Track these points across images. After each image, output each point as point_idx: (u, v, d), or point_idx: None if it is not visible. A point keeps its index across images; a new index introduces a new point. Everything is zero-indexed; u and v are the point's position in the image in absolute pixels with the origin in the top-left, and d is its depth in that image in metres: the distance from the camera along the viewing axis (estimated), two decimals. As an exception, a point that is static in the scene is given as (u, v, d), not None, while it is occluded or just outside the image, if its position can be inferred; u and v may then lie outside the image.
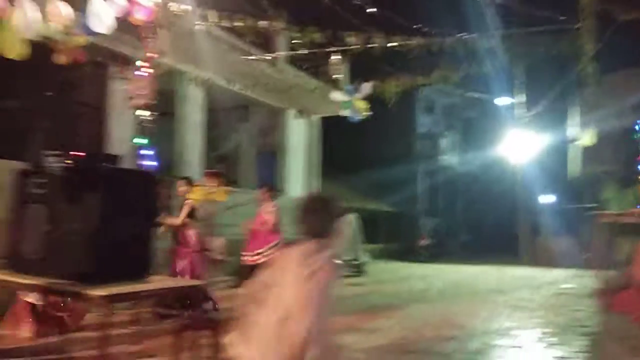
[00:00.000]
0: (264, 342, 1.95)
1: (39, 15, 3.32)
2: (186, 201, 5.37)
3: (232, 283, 8.32)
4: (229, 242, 8.36)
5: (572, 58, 7.23)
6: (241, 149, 13.51)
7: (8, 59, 4.43)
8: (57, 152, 2.88)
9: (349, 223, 11.62)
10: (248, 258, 6.20)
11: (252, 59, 7.72)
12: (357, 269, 11.49)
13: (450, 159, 22.00)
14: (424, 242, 17.51)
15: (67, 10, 3.52)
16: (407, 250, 16.99)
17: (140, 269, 2.93)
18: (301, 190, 13.38)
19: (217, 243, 6.55)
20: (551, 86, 14.62)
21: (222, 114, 12.63)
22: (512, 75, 15.63)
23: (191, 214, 5.38)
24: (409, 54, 5.72)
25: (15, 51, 3.24)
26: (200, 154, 9.97)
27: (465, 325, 5.98)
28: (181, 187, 5.42)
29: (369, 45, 5.50)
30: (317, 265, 2.00)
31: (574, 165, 18.36)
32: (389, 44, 5.47)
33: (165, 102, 7.48)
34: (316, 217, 2.10)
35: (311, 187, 13.68)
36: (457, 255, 18.07)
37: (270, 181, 12.68)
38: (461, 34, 5.86)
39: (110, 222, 2.69)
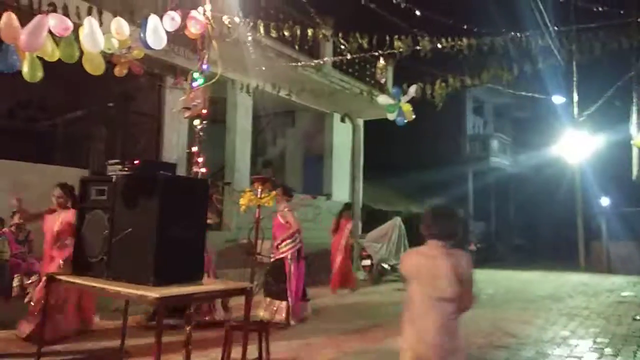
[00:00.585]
0: (411, 334, 2.46)
1: (101, 31, 3.55)
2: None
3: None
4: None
5: (632, 54, 6.86)
6: (287, 153, 13.72)
7: (73, 74, 4.76)
8: (117, 161, 3.06)
9: (395, 226, 11.52)
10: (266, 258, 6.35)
11: (299, 65, 7.83)
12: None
13: (501, 160, 21.29)
14: (473, 246, 17.05)
15: (127, 27, 3.74)
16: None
17: (193, 272, 3.06)
18: (346, 194, 13.41)
19: (265, 246, 6.70)
20: (610, 83, 13.88)
21: (268, 120, 12.91)
22: (568, 73, 15.00)
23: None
24: (458, 55, 5.62)
25: (95, 68, 3.48)
26: (248, 159, 10.22)
27: (518, 334, 5.79)
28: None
29: (417, 48, 5.45)
30: (451, 262, 2.44)
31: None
32: (438, 46, 5.39)
33: (215, 110, 7.75)
34: (447, 222, 2.55)
35: (356, 190, 13.68)
36: (509, 261, 17.48)
37: (316, 184, 12.88)
38: (513, 32, 5.69)
39: (167, 227, 2.82)
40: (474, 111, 21.77)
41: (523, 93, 13.40)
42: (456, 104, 18.22)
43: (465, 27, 5.86)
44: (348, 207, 9.61)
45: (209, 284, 3.10)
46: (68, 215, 4.89)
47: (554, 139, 16.45)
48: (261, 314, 5.93)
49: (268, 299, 6.11)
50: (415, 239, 13.19)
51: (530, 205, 21.93)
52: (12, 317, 5.09)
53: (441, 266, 2.45)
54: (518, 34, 5.42)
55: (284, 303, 5.98)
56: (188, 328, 3.33)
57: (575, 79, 15.26)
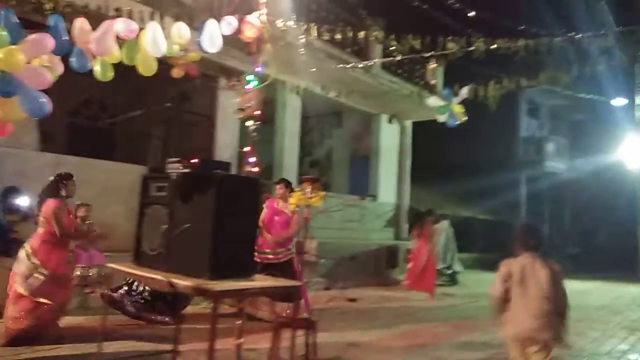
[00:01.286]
0: (515, 325, 3.19)
1: (163, 36, 3.74)
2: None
3: (324, 284, 8.56)
4: (321, 245, 8.61)
5: None
6: (334, 154, 13.79)
7: (133, 74, 5.01)
8: (176, 159, 3.21)
9: (442, 230, 11.32)
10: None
11: (348, 67, 7.87)
12: (450, 279, 11.16)
13: (557, 164, 20.41)
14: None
15: (186, 31, 3.91)
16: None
17: (246, 268, 3.16)
18: (393, 195, 13.31)
19: (312, 245, 6.77)
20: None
21: (316, 120, 13.03)
22: (629, 75, 14.19)
23: None
24: (513, 56, 5.46)
25: (148, 68, 3.67)
26: (296, 159, 10.36)
27: (572, 345, 5.56)
28: (281, 190, 5.57)
29: (470, 49, 5.33)
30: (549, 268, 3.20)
31: None
32: (492, 47, 5.25)
33: (264, 110, 7.92)
34: (539, 236, 3.32)
35: (402, 192, 13.55)
36: (564, 270, 16.72)
37: (363, 185, 12.87)
38: (573, 33, 5.47)
39: (222, 223, 2.93)
40: (528, 113, 21.00)
41: (581, 95, 12.82)
42: (509, 106, 17.62)
43: (522, 27, 5.69)
44: (429, 213, 9.76)
45: (260, 280, 3.18)
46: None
47: (614, 143, 15.60)
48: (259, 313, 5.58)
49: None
50: (464, 243, 12.96)
51: (587, 212, 20.91)
52: (71, 305, 5.41)
53: (542, 272, 3.19)
54: (579, 34, 5.20)
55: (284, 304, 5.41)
56: (240, 322, 3.44)
57: (638, 81, 14.42)
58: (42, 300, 4.25)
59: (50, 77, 3.31)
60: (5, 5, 3.47)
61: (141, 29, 3.92)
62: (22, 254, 4.42)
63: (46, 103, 3.39)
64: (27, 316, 4.22)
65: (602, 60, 6.31)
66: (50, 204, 4.38)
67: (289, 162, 10.12)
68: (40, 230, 4.47)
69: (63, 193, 4.43)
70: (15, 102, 3.30)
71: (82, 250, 6.26)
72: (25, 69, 3.20)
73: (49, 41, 3.29)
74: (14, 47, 3.17)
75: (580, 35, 5.28)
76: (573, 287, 12.57)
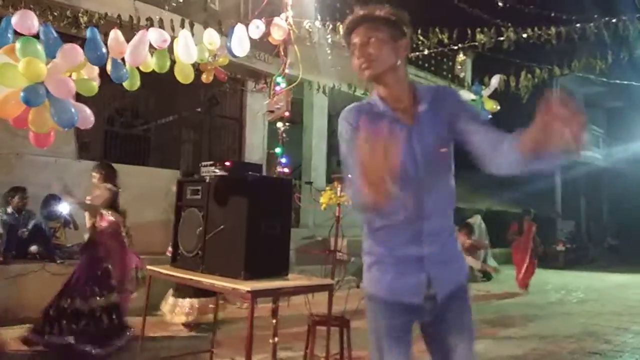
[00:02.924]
0: None
1: (194, 43, 3.83)
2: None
3: (355, 282, 8.55)
4: (351, 243, 8.61)
5: None
6: (362, 151, 13.73)
7: (164, 81, 5.14)
8: (210, 163, 3.29)
9: (476, 225, 11.14)
10: None
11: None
12: (484, 274, 10.98)
13: (593, 154, 19.78)
14: (561, 246, 16.02)
15: (216, 37, 3.99)
16: (541, 256, 15.70)
17: (280, 267, 3.21)
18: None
19: (342, 244, 6.78)
20: None
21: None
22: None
23: None
24: (544, 45, 5.31)
25: (185, 77, 3.77)
26: (324, 158, 10.40)
27: (613, 340, 5.40)
28: None
29: (500, 39, 5.20)
30: None
31: None
32: (524, 36, 5.11)
33: (293, 111, 7.99)
34: None
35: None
36: (602, 262, 16.25)
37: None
38: (607, 18, 5.27)
39: (255, 224, 2.98)
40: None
41: (617, 81, 12.35)
42: (541, 94, 17.13)
43: (552, 14, 5.53)
44: (527, 212, 10.22)
45: (294, 280, 3.23)
46: None
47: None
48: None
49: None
50: (497, 238, 12.72)
51: (626, 202, 20.17)
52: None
53: None
54: (613, 19, 5.02)
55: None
56: (275, 321, 3.49)
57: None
58: None
59: (73, 87, 3.40)
60: (44, 21, 3.62)
61: (172, 37, 4.03)
62: None
63: (76, 113, 3.49)
64: None
65: (639, 44, 6.07)
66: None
67: (318, 162, 10.17)
68: None
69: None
70: (46, 112, 3.41)
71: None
72: (50, 80, 3.30)
73: (78, 51, 3.40)
74: (32, 57, 3.29)
75: (615, 20, 5.09)
76: (613, 280, 12.26)
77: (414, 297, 1.69)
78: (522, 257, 9.44)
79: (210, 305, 5.13)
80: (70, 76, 3.37)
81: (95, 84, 3.40)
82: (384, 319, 1.78)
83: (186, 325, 5.26)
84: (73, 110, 3.45)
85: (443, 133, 1.70)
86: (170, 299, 5.35)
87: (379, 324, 1.80)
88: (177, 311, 5.23)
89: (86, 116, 3.66)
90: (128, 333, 4.37)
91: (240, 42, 3.76)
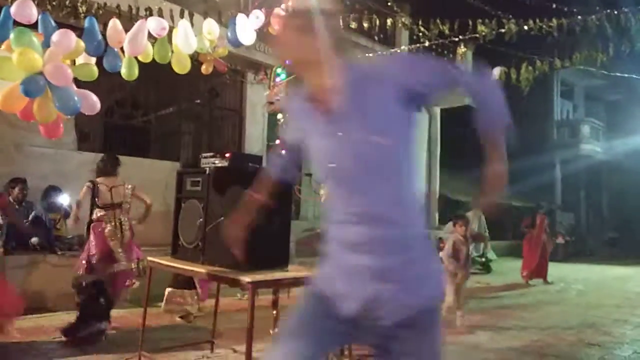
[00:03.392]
0: None
1: (194, 33, 3.81)
2: None
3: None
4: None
5: None
6: (363, 143, 13.72)
7: (162, 73, 5.11)
8: (210, 154, 3.28)
9: (474, 217, 11.14)
10: None
11: (375, 55, 7.79)
12: (484, 266, 11.01)
13: (593, 147, 19.76)
14: (561, 239, 16.05)
15: (216, 27, 3.96)
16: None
17: (280, 258, 3.21)
18: (422, 183, 13.17)
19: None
20: None
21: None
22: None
23: None
24: (546, 37, 5.28)
25: (182, 67, 3.75)
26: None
27: (612, 332, 5.43)
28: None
29: (502, 30, 5.16)
30: None
31: None
32: (525, 28, 5.07)
33: (293, 103, 7.98)
34: None
35: (432, 179, 13.40)
36: (601, 255, 16.30)
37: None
38: (609, 10, 5.24)
39: (256, 215, 2.98)
40: (562, 95, 20.36)
41: (618, 74, 12.30)
42: (543, 88, 17.14)
43: (554, 6, 5.50)
44: (540, 205, 10.73)
45: (294, 271, 3.23)
46: None
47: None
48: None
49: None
50: (496, 230, 12.73)
51: (626, 195, 20.19)
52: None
53: None
54: (615, 11, 4.98)
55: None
56: (275, 312, 3.50)
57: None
58: None
59: (70, 73, 3.37)
60: (43, 10, 3.60)
61: (171, 27, 4.00)
62: None
63: (79, 100, 3.46)
64: None
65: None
66: None
67: (318, 154, 10.16)
68: None
69: None
70: (49, 102, 3.39)
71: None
72: (47, 68, 3.27)
73: (72, 37, 3.36)
74: (26, 48, 3.26)
75: (617, 12, 5.05)
76: (612, 272, 12.33)
77: (347, 309, 1.40)
78: (532, 249, 9.58)
79: (179, 298, 5.18)
80: (71, 63, 3.35)
81: (95, 68, 3.37)
82: (310, 305, 1.52)
83: (184, 317, 5.27)
84: (76, 97, 3.43)
85: (380, 120, 1.41)
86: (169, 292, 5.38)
87: (302, 307, 1.54)
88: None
89: (92, 103, 3.64)
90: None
91: (245, 31, 3.73)
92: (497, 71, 6.01)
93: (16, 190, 5.85)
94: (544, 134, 19.14)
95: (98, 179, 4.79)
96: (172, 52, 3.96)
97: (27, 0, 3.48)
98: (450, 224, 11.25)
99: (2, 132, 6.20)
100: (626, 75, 13.25)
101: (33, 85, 3.23)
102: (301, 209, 9.65)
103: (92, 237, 4.70)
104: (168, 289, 5.25)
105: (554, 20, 5.12)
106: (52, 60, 3.32)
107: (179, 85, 8.01)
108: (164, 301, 5.24)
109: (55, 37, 3.35)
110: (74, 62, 3.61)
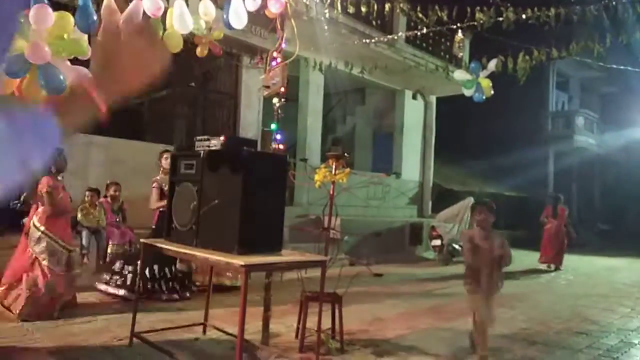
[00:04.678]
0: None
1: (189, 13, 3.75)
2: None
3: (348, 261, 8.64)
4: (345, 222, 8.66)
5: None
6: (357, 131, 13.71)
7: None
8: (204, 137, 3.26)
9: (467, 207, 11.21)
10: None
11: (372, 42, 7.75)
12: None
13: (587, 139, 19.85)
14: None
15: (214, 8, 3.91)
16: (532, 238, 15.90)
17: (273, 243, 3.22)
18: (417, 172, 13.22)
19: (336, 222, 6.81)
20: None
21: (338, 98, 12.95)
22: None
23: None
24: (543, 27, 5.26)
25: (174, 46, 3.70)
26: (319, 137, 10.36)
27: (599, 321, 5.51)
28: None
29: (500, 19, 5.14)
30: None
31: None
32: (523, 16, 5.05)
33: (288, 89, 7.93)
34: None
35: (426, 169, 13.44)
36: (592, 246, 16.45)
37: (386, 162, 12.81)
38: (606, 0, 5.22)
39: (250, 199, 2.99)
40: (557, 86, 20.37)
41: (614, 66, 12.32)
42: (538, 79, 17.10)
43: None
44: (558, 197, 10.92)
45: (287, 255, 3.25)
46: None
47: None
48: None
49: None
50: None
51: (618, 188, 20.36)
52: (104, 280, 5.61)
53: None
54: (613, 1, 4.96)
55: None
56: (267, 296, 3.53)
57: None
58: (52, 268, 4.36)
59: (48, 51, 3.28)
60: (34, -12, 3.52)
61: (166, 8, 3.94)
62: (32, 229, 4.49)
63: (64, 79, 3.38)
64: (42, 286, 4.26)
65: (637, 28, 6.02)
66: (42, 181, 4.43)
67: (313, 140, 10.14)
68: (40, 207, 4.49)
69: (53, 170, 4.47)
70: (34, 80, 3.31)
71: (115, 228, 6.46)
72: (27, 46, 3.19)
73: (48, 11, 3.27)
74: None
75: (615, 2, 5.04)
76: (602, 263, 12.44)
77: None
78: (553, 239, 10.22)
79: None
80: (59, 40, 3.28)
81: (85, 43, 3.29)
82: None
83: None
84: (61, 75, 3.33)
85: None
86: None
87: None
88: None
89: (84, 75, 3.55)
90: None
91: (238, 14, 3.69)
92: (494, 63, 5.99)
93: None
94: (538, 124, 19.20)
95: None
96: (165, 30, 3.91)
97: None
98: (444, 212, 11.39)
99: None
100: (622, 67, 13.29)
101: (14, 65, 3.16)
102: (295, 194, 9.65)
103: None
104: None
105: (552, 10, 5.09)
106: (36, 37, 3.24)
107: (173, 68, 7.92)
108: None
109: (31, 11, 3.26)
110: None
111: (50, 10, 3.26)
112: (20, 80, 3.39)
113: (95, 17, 3.27)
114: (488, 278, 3.72)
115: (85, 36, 3.40)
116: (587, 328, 5.16)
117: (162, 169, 5.29)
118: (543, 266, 10.16)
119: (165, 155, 5.24)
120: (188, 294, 5.42)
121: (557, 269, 10.10)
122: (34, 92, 3.33)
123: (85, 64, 3.87)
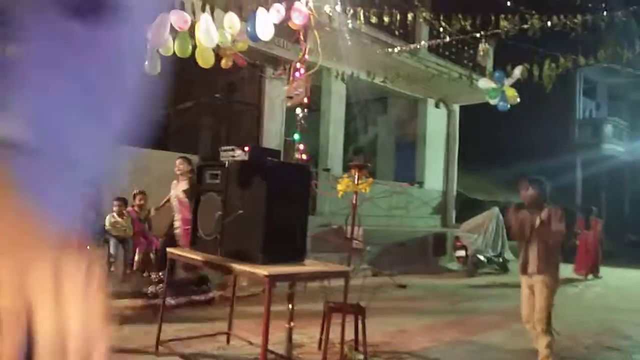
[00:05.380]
0: None
1: (215, 27, 3.83)
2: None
3: (371, 271, 8.57)
4: (368, 232, 8.62)
5: None
6: (379, 140, 13.67)
7: (182, 67, 5.15)
8: (229, 147, 3.30)
9: (492, 217, 11.02)
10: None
11: (395, 52, 7.74)
12: (500, 266, 10.89)
13: (616, 147, 19.33)
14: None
15: (238, 21, 3.98)
16: (563, 249, 15.44)
17: (297, 253, 3.22)
18: (440, 182, 13.07)
19: (358, 232, 6.78)
20: None
21: (360, 107, 12.96)
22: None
23: None
24: (569, 34, 5.17)
25: (206, 61, 3.77)
26: (341, 146, 10.37)
27: (632, 336, 5.33)
28: None
29: (525, 27, 5.07)
30: None
31: None
32: (548, 24, 4.97)
33: (311, 98, 7.98)
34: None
35: (450, 178, 13.28)
36: (623, 258, 15.94)
37: (409, 172, 12.71)
38: (635, 7, 5.11)
39: (274, 209, 3.00)
40: (584, 93, 19.94)
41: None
42: (564, 86, 16.72)
43: (578, 1, 5.38)
44: (590, 209, 11.41)
45: (310, 265, 3.24)
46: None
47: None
48: None
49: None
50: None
51: (650, 197, 19.74)
52: (133, 287, 5.72)
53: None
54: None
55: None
56: (291, 305, 3.52)
57: None
58: None
59: None
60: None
61: (192, 21, 4.03)
62: None
63: None
64: None
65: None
66: None
67: (335, 149, 10.15)
68: None
69: None
70: None
71: (142, 236, 6.58)
72: None
73: None
74: None
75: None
76: (632, 275, 12.06)
77: None
78: (589, 249, 10.47)
79: None
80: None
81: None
82: None
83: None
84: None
85: None
86: None
87: None
88: None
89: None
90: None
91: (264, 27, 3.74)
92: (519, 70, 5.91)
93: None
94: (565, 133, 18.80)
95: None
96: (194, 46, 3.99)
97: None
98: (468, 222, 11.21)
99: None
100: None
101: None
102: (317, 204, 9.65)
103: None
104: None
105: (579, 17, 5.00)
106: None
107: (197, 80, 8.07)
108: None
109: None
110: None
111: None
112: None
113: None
114: (532, 254, 3.58)
115: None
116: (619, 343, 4.99)
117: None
118: (579, 276, 10.33)
119: (178, 161, 5.46)
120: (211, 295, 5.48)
121: (595, 277, 10.36)
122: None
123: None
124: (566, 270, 10.08)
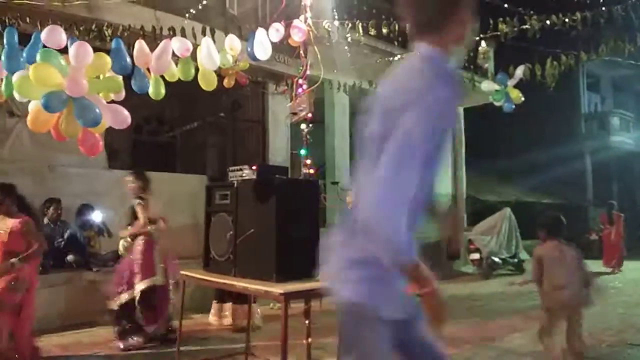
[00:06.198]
0: None
1: (216, 50, 3.88)
2: None
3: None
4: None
5: None
6: (385, 148, 13.62)
7: (187, 88, 5.21)
8: (237, 167, 3.32)
9: (504, 218, 10.94)
10: None
11: (394, 59, 7.76)
12: (516, 267, 10.78)
13: (624, 139, 19.16)
14: (594, 235, 15.54)
15: (237, 42, 4.03)
16: (580, 245, 15.22)
17: (310, 268, 3.21)
18: (448, 184, 13.00)
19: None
20: None
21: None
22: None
23: None
24: (570, 31, 5.16)
25: (209, 84, 3.82)
26: (347, 157, 10.37)
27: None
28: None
29: (524, 27, 5.07)
30: None
31: None
32: (547, 23, 4.97)
33: (315, 111, 8.01)
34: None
35: (458, 180, 13.22)
36: (637, 251, 15.72)
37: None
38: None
39: (285, 226, 3.00)
40: (588, 87, 19.84)
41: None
42: (568, 82, 16.72)
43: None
44: (612, 204, 11.85)
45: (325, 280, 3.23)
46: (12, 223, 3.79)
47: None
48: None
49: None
50: (528, 229, 12.44)
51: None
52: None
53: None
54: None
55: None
56: (307, 322, 3.51)
57: None
58: None
59: (86, 84, 3.42)
60: (71, 35, 3.73)
61: (194, 44, 4.09)
62: None
63: (100, 114, 3.52)
64: None
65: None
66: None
67: (341, 161, 10.15)
68: None
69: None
70: (73, 116, 3.46)
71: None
72: (67, 81, 3.35)
73: (87, 48, 3.44)
74: (40, 63, 3.37)
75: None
76: (646, 272, 11.71)
77: None
78: (615, 244, 10.85)
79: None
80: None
81: (120, 81, 3.44)
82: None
83: (234, 328, 5.38)
84: (97, 109, 3.49)
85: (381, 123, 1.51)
86: (214, 305, 5.62)
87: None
88: (221, 315, 5.57)
89: (123, 117, 3.74)
90: None
91: (262, 46, 3.78)
92: (521, 70, 5.91)
93: (51, 210, 6.04)
94: (571, 128, 18.68)
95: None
96: (197, 69, 4.04)
97: (57, 26, 3.61)
98: (480, 224, 11.14)
99: (35, 154, 6.41)
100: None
101: (53, 100, 3.33)
102: (327, 216, 9.64)
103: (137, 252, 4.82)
104: (234, 305, 5.44)
105: (578, 14, 5.00)
106: (74, 74, 3.41)
107: (201, 100, 8.15)
108: (222, 316, 5.55)
109: (71, 50, 3.44)
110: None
111: (90, 48, 3.44)
112: (57, 117, 3.55)
113: (128, 59, 3.41)
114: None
115: (120, 77, 3.56)
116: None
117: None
118: (607, 270, 10.53)
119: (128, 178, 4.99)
120: None
121: (613, 272, 10.48)
122: (71, 128, 3.49)
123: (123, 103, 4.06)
124: (594, 265, 9.97)
